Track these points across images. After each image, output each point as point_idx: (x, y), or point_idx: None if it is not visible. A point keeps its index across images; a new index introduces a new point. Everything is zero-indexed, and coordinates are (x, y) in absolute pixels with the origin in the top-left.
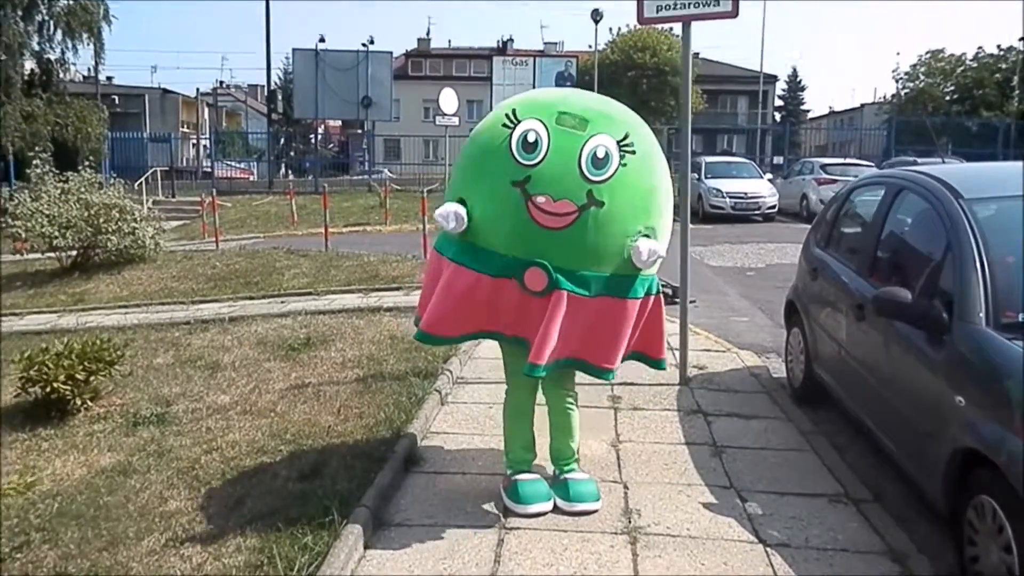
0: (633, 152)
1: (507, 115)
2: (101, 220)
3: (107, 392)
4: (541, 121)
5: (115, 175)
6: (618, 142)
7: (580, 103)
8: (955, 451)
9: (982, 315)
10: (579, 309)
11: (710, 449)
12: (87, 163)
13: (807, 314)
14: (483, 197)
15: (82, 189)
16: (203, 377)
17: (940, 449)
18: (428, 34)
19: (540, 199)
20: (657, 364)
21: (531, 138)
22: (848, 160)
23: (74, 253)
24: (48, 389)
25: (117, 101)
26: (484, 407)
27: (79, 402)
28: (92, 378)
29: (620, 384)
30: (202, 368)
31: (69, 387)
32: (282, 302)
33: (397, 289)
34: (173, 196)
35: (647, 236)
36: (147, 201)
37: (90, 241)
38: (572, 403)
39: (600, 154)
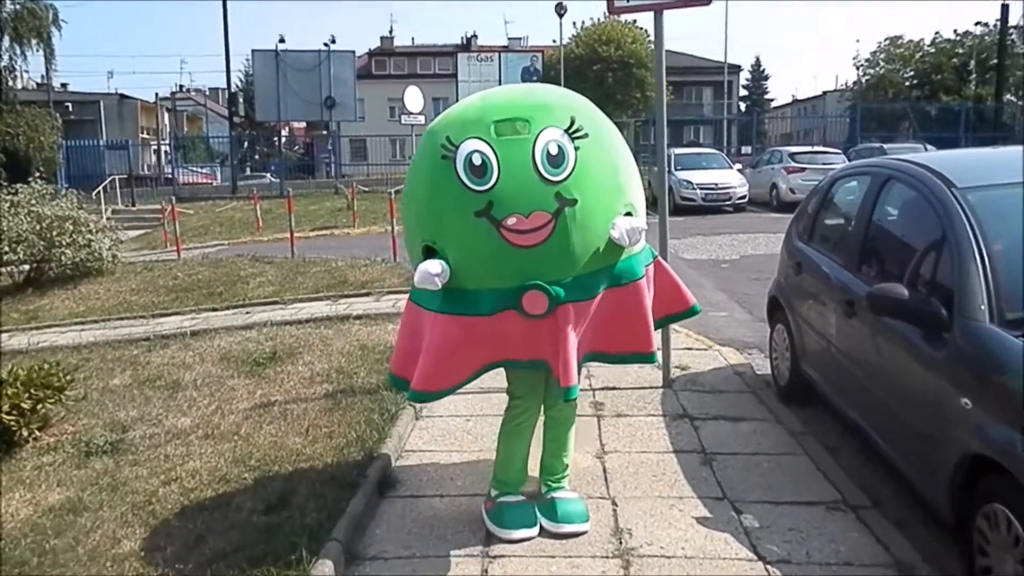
0: (585, 135)
1: (443, 145)
2: (54, 233)
3: (58, 419)
4: (480, 139)
5: (67, 186)
6: (566, 130)
7: (511, 103)
8: (962, 457)
9: (984, 310)
10: (587, 311)
11: (700, 457)
12: (38, 173)
13: (792, 310)
14: (451, 239)
15: (33, 201)
16: (162, 398)
17: (945, 455)
18: (391, 32)
19: (510, 221)
20: (692, 311)
21: (477, 161)
22: (816, 148)
23: (27, 268)
24: None
25: (71, 108)
26: (461, 420)
27: (26, 433)
28: (40, 406)
29: (602, 389)
30: (161, 388)
31: (14, 417)
32: (247, 313)
33: (367, 295)
34: (133, 204)
35: (628, 214)
36: (106, 210)
37: (43, 255)
38: (573, 414)
39: (553, 150)
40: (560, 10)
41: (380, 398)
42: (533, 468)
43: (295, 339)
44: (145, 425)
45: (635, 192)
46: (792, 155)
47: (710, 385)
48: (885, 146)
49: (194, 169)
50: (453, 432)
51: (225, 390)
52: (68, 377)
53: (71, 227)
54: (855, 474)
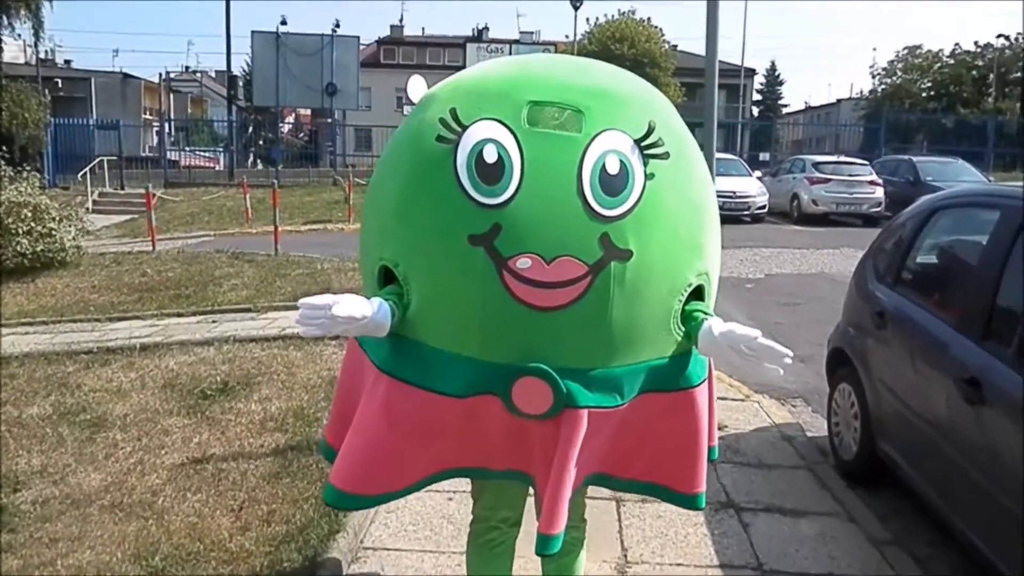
0: (665, 155)
1: (443, 120)
2: (9, 220)
3: None
4: (502, 123)
5: (28, 167)
6: (638, 141)
7: (559, 81)
8: None
9: None
10: (608, 421)
11: None
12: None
13: (867, 370)
14: (423, 266)
15: None
16: (78, 441)
17: None
18: (401, 21)
19: (521, 262)
20: (693, 502)
21: (490, 156)
22: (841, 158)
23: None
24: None
25: (60, 85)
26: (442, 500)
27: None
28: None
29: None
30: (82, 425)
31: None
32: (213, 321)
33: None
34: (122, 188)
35: (699, 288)
36: (93, 192)
37: None
38: (579, 538)
39: (612, 167)
40: (575, 2)
41: None
42: None
43: (256, 363)
44: (45, 482)
45: (713, 254)
46: (816, 164)
47: (755, 455)
48: (915, 159)
49: (198, 152)
50: (429, 519)
51: (156, 433)
52: None
53: (30, 214)
54: None
